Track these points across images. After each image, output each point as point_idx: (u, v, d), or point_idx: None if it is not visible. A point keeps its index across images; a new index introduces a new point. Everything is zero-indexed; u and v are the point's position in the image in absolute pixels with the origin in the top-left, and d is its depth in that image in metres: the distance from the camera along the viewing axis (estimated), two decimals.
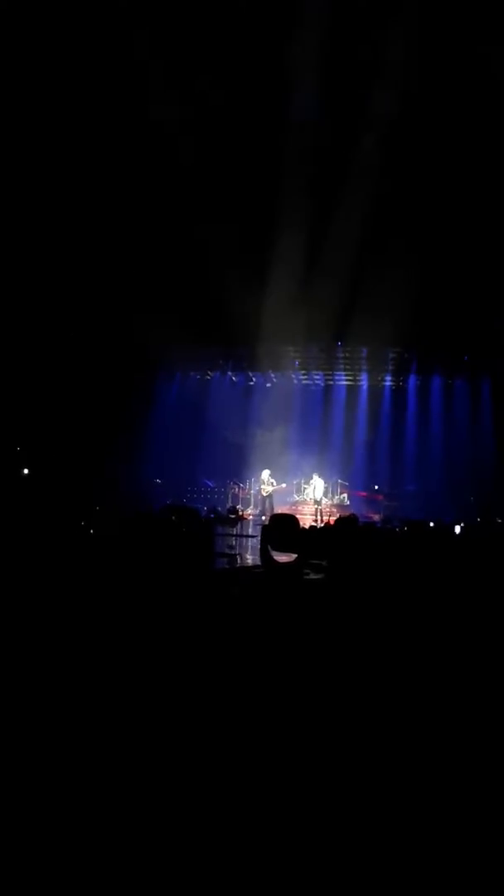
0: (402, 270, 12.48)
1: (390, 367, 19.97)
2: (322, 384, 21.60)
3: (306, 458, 18.80)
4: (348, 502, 18.08)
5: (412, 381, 20.31)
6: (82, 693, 1.97)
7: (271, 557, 3.01)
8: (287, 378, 21.14)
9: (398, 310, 13.27)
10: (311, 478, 16.53)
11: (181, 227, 12.69)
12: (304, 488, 18.22)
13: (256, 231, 12.74)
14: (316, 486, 16.29)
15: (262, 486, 15.90)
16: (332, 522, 9.65)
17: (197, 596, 2.63)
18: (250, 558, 7.84)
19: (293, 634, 2.47)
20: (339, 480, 18.45)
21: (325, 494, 16.98)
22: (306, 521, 15.33)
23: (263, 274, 13.59)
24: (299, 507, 17.64)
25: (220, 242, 12.45)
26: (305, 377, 21.50)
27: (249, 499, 18.00)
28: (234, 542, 10.38)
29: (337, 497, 18.11)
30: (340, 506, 17.58)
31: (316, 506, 16.04)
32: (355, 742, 1.83)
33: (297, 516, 3.32)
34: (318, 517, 15.45)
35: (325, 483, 16.83)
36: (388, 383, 20.71)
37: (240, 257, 12.70)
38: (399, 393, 20.43)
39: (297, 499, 18.28)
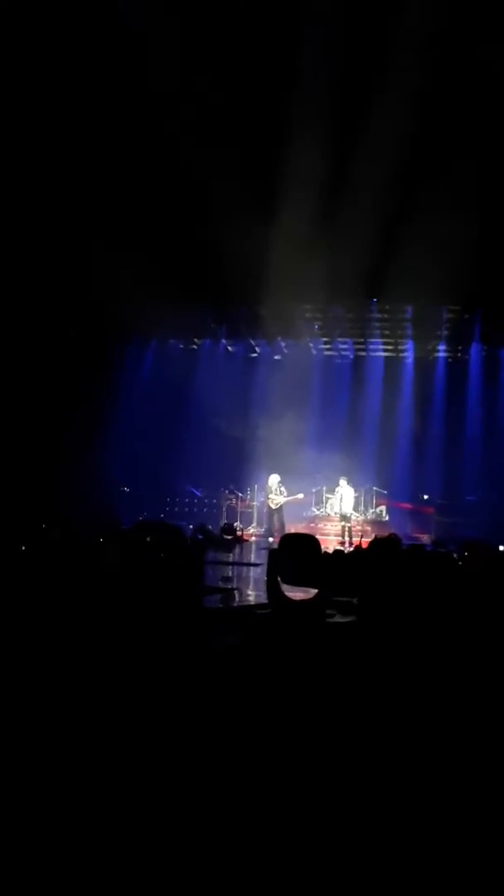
0: (462, 198, 12.46)
1: (445, 333, 19.98)
2: (351, 356, 21.63)
3: (329, 457, 18.79)
4: (387, 517, 18.11)
5: (475, 351, 20.31)
6: None
7: (282, 593, 3.01)
8: (303, 348, 21.18)
9: (456, 253, 13.24)
10: (338, 484, 16.48)
11: (155, 133, 12.66)
12: (328, 499, 18.25)
13: (262, 142, 12.71)
14: (343, 496, 16.29)
15: (269, 497, 15.93)
16: (364, 545, 9.65)
17: (179, 648, 2.63)
18: (253, 594, 7.84)
19: (313, 705, 2.47)
20: (375, 488, 18.49)
21: (357, 508, 17.04)
22: (330, 543, 15.32)
23: (271, 204, 13.56)
24: (320, 525, 17.67)
25: (210, 157, 12.42)
26: (328, 346, 21.54)
27: (252, 513, 18.06)
28: (230, 573, 10.38)
29: (372, 511, 18.15)
30: (376, 522, 17.60)
31: (344, 523, 16.08)
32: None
33: (318, 537, 3.31)
34: (347, 538, 15.48)
35: (355, 492, 16.83)
36: (441, 354, 20.72)
37: (238, 180, 12.68)
38: (457, 368, 20.45)
39: (317, 513, 18.33)
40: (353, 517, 16.60)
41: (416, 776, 2.31)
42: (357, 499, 17.14)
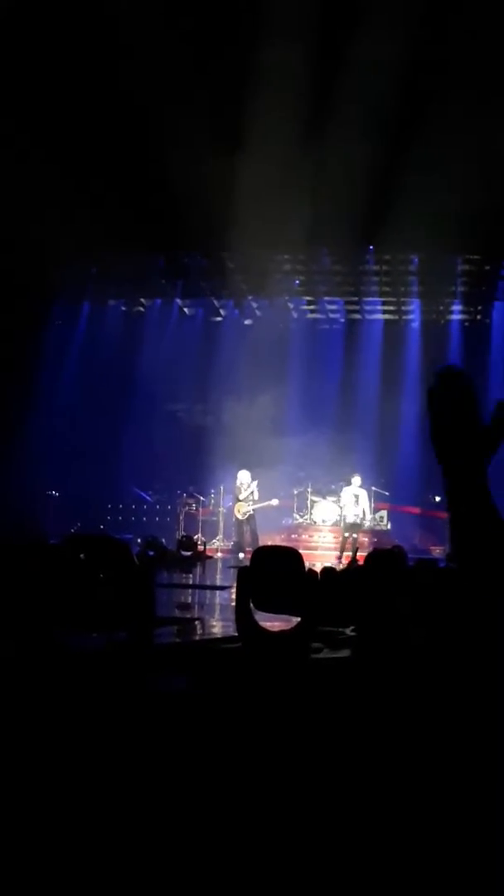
0: (480, 121, 12.55)
1: (460, 290, 20.14)
2: (342, 319, 21.74)
3: (315, 450, 18.88)
4: (388, 525, 18.26)
5: (498, 312, 20.52)
6: None
7: (255, 623, 3.02)
8: (280, 309, 21.23)
9: (475, 185, 13.33)
10: (349, 484, 16.20)
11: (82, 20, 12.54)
12: (313, 503, 18.32)
13: (224, 36, 12.62)
14: (359, 500, 16.12)
15: (237, 502, 15.92)
16: (360, 561, 9.70)
17: (122, 694, 2.62)
18: (219, 625, 7.87)
19: (292, 763, 2.48)
20: (374, 488, 18.62)
21: (364, 515, 16.57)
22: (319, 559, 15.40)
23: (237, 119, 13.49)
24: (304, 537, 17.75)
25: (153, 47, 12.29)
26: (312, 307, 21.61)
27: (217, 522, 18.07)
28: (190, 599, 10.41)
29: (370, 517, 18.26)
30: (376, 531, 17.74)
31: (349, 534, 15.89)
32: None
33: (302, 552, 3.33)
34: (342, 552, 15.48)
35: (367, 492, 16.63)
36: (456, 316, 20.90)
37: (193, 84, 12.61)
38: (476, 333, 20.66)
39: (300, 521, 18.40)
40: (366, 524, 16.45)
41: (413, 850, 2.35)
42: (368, 501, 16.81)
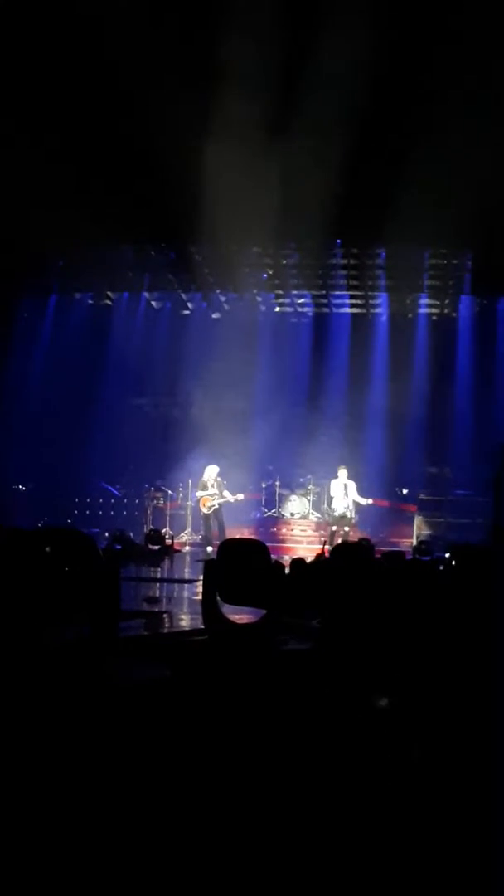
0: (449, 116, 12.59)
1: (428, 283, 20.24)
2: (311, 313, 21.78)
3: (284, 443, 18.91)
4: (356, 518, 18.30)
5: (465, 306, 20.65)
6: None
7: (221, 615, 3.03)
8: (249, 303, 21.23)
9: (440, 184, 13.39)
10: (337, 475, 15.91)
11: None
12: (282, 496, 18.34)
13: (189, 22, 12.54)
14: (347, 490, 15.79)
15: (202, 495, 15.87)
16: (326, 553, 9.74)
17: (89, 686, 2.62)
18: (186, 618, 7.86)
19: (260, 755, 2.49)
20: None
21: (350, 507, 15.95)
22: (286, 552, 15.43)
23: (205, 108, 13.42)
24: (272, 529, 17.77)
25: (123, 36, 12.19)
26: (281, 301, 21.62)
27: (185, 516, 18.05)
28: (157, 592, 10.40)
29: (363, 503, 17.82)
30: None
31: (337, 527, 15.70)
32: None
33: (272, 545, 3.34)
34: (331, 545, 15.24)
35: (354, 483, 16.13)
36: (422, 310, 21.01)
37: (161, 68, 12.52)
38: (443, 327, 20.79)
39: (269, 514, 18.42)
40: (354, 519, 16.13)
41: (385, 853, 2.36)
42: (356, 493, 16.36)
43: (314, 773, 2.49)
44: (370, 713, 2.65)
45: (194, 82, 12.99)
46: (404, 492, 18.87)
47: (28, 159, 13.42)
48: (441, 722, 2.65)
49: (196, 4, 12.65)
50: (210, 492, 15.76)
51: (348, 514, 15.76)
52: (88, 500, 19.28)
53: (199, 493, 16.06)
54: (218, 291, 21.15)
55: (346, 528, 15.62)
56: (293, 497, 18.58)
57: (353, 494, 15.81)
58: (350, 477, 15.95)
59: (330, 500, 16.24)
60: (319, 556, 9.04)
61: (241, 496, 16.19)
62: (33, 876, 2.23)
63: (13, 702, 2.49)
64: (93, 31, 12.30)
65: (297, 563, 6.03)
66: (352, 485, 15.88)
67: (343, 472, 15.91)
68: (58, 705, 2.51)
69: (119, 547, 12.63)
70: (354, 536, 14.89)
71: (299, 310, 21.78)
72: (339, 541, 14.47)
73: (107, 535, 14.39)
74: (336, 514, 15.87)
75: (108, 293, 21.85)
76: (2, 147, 13.21)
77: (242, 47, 12.70)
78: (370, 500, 16.21)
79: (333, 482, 16.00)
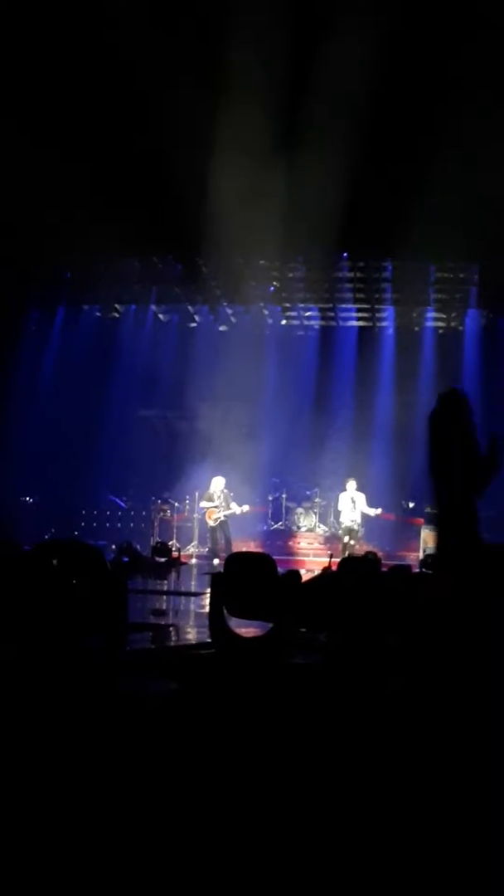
0: (456, 130, 12.61)
1: (434, 297, 20.25)
2: (317, 326, 21.79)
3: (290, 455, 18.91)
4: (362, 531, 18.26)
5: (471, 319, 20.64)
6: None
7: (228, 629, 3.03)
8: (255, 315, 21.25)
9: (448, 198, 13.40)
10: (346, 488, 15.76)
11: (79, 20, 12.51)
12: (289, 509, 18.32)
13: (196, 33, 12.58)
14: (356, 503, 15.55)
15: (207, 506, 15.84)
16: (333, 567, 9.70)
17: (95, 700, 2.62)
18: (193, 631, 7.85)
19: (266, 768, 2.49)
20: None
21: (357, 520, 15.70)
22: (292, 564, 15.39)
23: (213, 124, 13.47)
24: (278, 542, 17.75)
25: (129, 44, 12.23)
26: (288, 314, 21.63)
27: (192, 529, 18.05)
28: (164, 605, 10.38)
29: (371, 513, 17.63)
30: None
31: (349, 540, 15.48)
32: None
33: (279, 558, 3.34)
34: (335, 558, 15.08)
35: (363, 496, 15.86)
36: (429, 324, 21.00)
37: (172, 84, 12.55)
38: (449, 340, 20.76)
39: (276, 527, 18.40)
40: (360, 533, 15.98)
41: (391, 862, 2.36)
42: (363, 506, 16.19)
43: (321, 785, 2.50)
44: (377, 725, 2.65)
45: (202, 97, 13.05)
46: (411, 505, 18.81)
47: (37, 172, 13.49)
48: (447, 733, 2.65)
49: (204, 20, 12.72)
50: (216, 503, 15.72)
51: (355, 527, 15.69)
52: (95, 513, 19.29)
53: (204, 504, 16.03)
54: (225, 304, 21.19)
55: (353, 542, 15.54)
56: (300, 510, 18.56)
57: (363, 506, 15.69)
58: (358, 489, 15.88)
59: (338, 513, 16.18)
60: (326, 570, 9.03)
61: (247, 507, 16.14)
62: (41, 876, 2.25)
63: (25, 711, 2.50)
64: (104, 47, 12.39)
65: (292, 575, 6.00)
66: (360, 497, 15.77)
67: (352, 485, 15.80)
68: (67, 715, 2.52)
69: (126, 559, 12.64)
70: (361, 550, 14.81)
71: (306, 323, 21.80)
72: (346, 554, 14.46)
73: (113, 547, 14.37)
74: (345, 526, 15.80)
75: (116, 305, 21.91)
76: (11, 159, 13.27)
77: (250, 62, 12.76)
78: (379, 510, 16.09)
79: (342, 495, 15.89)
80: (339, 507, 15.92)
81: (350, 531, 15.60)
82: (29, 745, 2.49)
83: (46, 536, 14.58)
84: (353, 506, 15.61)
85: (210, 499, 15.84)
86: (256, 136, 13.52)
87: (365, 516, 15.76)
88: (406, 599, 3.76)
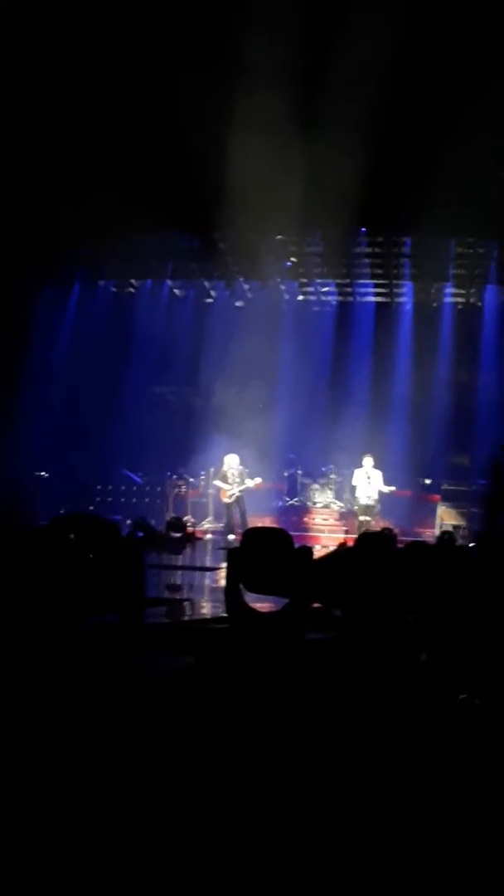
0: (474, 105, 12.51)
1: (453, 272, 20.12)
2: (335, 301, 21.72)
3: (306, 431, 18.90)
4: (378, 507, 18.26)
5: (490, 295, 20.51)
6: None
7: (244, 604, 3.03)
8: (272, 291, 21.18)
9: (467, 172, 13.30)
10: (362, 464, 15.74)
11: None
12: (304, 484, 18.35)
13: (216, 12, 12.51)
14: (372, 480, 15.52)
15: (222, 484, 15.85)
16: (350, 543, 9.71)
17: (112, 673, 2.64)
18: (208, 606, 7.89)
19: (285, 745, 2.49)
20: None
21: (373, 497, 15.68)
22: (308, 540, 15.41)
23: (228, 95, 13.38)
24: (294, 518, 17.78)
25: (148, 24, 12.18)
26: (304, 289, 21.56)
27: (206, 504, 18.10)
28: (179, 580, 10.43)
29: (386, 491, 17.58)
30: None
31: (364, 518, 15.52)
32: None
33: (294, 534, 3.34)
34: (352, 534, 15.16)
35: (380, 473, 15.81)
36: (448, 300, 20.89)
37: (184, 56, 12.49)
38: (468, 316, 20.66)
39: (291, 503, 18.43)
40: (376, 510, 15.90)
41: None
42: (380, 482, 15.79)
43: (336, 762, 2.50)
44: (394, 702, 2.65)
45: (220, 72, 12.97)
46: (427, 482, 18.80)
47: (52, 148, 13.45)
48: (466, 709, 2.65)
49: None
50: (229, 483, 15.74)
51: (371, 503, 15.67)
52: (110, 488, 19.34)
53: (218, 484, 16.08)
54: (241, 279, 21.12)
55: (369, 518, 15.53)
56: (315, 486, 18.59)
57: (379, 483, 15.65)
58: (374, 466, 15.85)
59: (353, 489, 16.17)
60: (342, 546, 9.03)
61: (259, 480, 16.08)
62: (51, 857, 2.27)
63: (42, 687, 2.51)
64: (120, 23, 12.31)
65: (304, 550, 6.01)
66: (377, 474, 15.73)
67: (368, 461, 15.75)
68: (85, 691, 2.53)
69: (141, 534, 12.67)
70: (377, 526, 14.82)
71: (323, 298, 21.72)
72: (362, 530, 14.43)
73: (128, 522, 14.41)
74: (361, 503, 15.79)
75: (132, 281, 21.89)
76: (27, 136, 13.24)
77: (268, 38, 12.67)
78: (394, 488, 16.06)
79: (357, 471, 15.86)
80: (355, 483, 15.90)
81: (366, 508, 15.58)
82: (44, 721, 2.51)
83: (62, 511, 14.64)
84: (369, 482, 15.58)
85: (224, 478, 15.84)
86: (274, 111, 13.42)
87: (381, 493, 15.75)
88: (423, 575, 3.76)
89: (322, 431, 18.90)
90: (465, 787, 2.44)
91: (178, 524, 14.77)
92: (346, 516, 17.36)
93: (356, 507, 16.18)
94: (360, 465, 15.82)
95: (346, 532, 14.07)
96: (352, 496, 16.40)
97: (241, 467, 15.88)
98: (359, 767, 2.48)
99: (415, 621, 3.27)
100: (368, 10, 12.16)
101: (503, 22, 11.94)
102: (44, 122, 13.37)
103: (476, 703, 2.59)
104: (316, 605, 3.84)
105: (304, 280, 21.20)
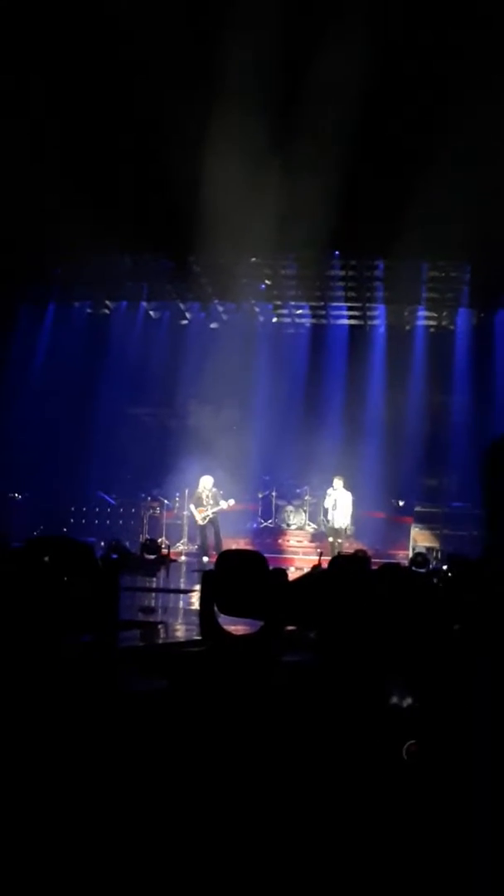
0: (446, 127, 12.64)
1: (426, 295, 20.30)
2: (309, 324, 21.83)
3: (280, 453, 18.94)
4: (352, 529, 18.29)
5: (462, 319, 20.70)
6: None
7: (219, 626, 3.03)
8: (247, 313, 21.26)
9: (439, 196, 13.42)
10: (331, 486, 15.97)
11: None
12: (279, 507, 18.37)
13: (190, 31, 12.55)
14: (338, 503, 15.76)
15: (196, 507, 15.85)
16: (322, 564, 9.73)
17: (87, 696, 2.63)
18: (182, 629, 7.86)
19: (258, 767, 2.49)
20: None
21: (346, 519, 15.97)
22: (282, 562, 15.40)
23: (205, 120, 13.44)
24: (268, 540, 17.78)
25: (127, 44, 12.24)
26: (279, 312, 21.66)
27: (181, 526, 18.06)
28: (154, 602, 10.39)
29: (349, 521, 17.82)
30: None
31: (334, 539, 15.73)
32: None
33: (268, 555, 3.35)
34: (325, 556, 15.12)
35: (349, 495, 16.08)
36: (420, 322, 21.06)
37: (158, 77, 12.53)
38: (441, 339, 20.83)
39: (266, 525, 18.43)
40: (348, 532, 16.13)
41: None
42: (352, 507, 16.15)
43: (313, 784, 2.50)
44: (369, 723, 2.66)
45: (194, 93, 13.04)
46: (401, 503, 18.88)
47: (28, 167, 13.47)
48: (438, 731, 2.66)
49: (197, 15, 12.70)
50: (205, 502, 15.75)
51: (338, 526, 15.74)
52: (84, 509, 19.25)
53: (193, 508, 16.09)
54: (216, 301, 21.18)
55: (340, 540, 15.60)
56: (290, 508, 18.61)
57: (346, 506, 15.73)
58: (347, 488, 15.91)
59: (325, 511, 16.25)
60: (315, 568, 9.04)
61: (232, 501, 16.13)
62: (34, 878, 2.26)
63: (15, 709, 2.50)
64: (97, 43, 12.37)
65: (278, 572, 6.01)
66: (346, 496, 15.81)
67: (338, 483, 15.85)
68: (57, 714, 2.52)
69: (115, 556, 12.61)
70: (351, 548, 14.85)
71: (297, 321, 21.83)
72: (335, 552, 14.46)
73: (102, 544, 14.34)
74: (328, 526, 15.89)
75: (107, 302, 21.89)
76: (2, 155, 13.24)
77: (242, 58, 12.75)
78: (349, 520, 16.10)
79: (329, 492, 15.98)
80: (325, 506, 16.02)
81: (335, 531, 15.66)
82: (19, 743, 2.49)
83: (35, 533, 14.55)
84: (334, 505, 15.67)
85: (198, 500, 15.87)
86: (249, 134, 13.52)
87: (353, 514, 15.83)
88: (397, 597, 3.77)
89: (296, 453, 18.94)
90: (431, 809, 2.46)
91: (152, 546, 14.74)
92: (320, 538, 17.39)
93: (325, 529, 16.26)
94: (333, 488, 15.90)
95: (321, 554, 14.03)
96: (325, 518, 16.46)
97: (215, 489, 15.89)
98: (333, 789, 2.49)
99: (387, 642, 3.28)
100: (341, 38, 12.29)
101: (475, 50, 12.10)
102: (20, 144, 13.38)
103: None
104: (290, 627, 3.84)
105: (279, 302, 21.30)
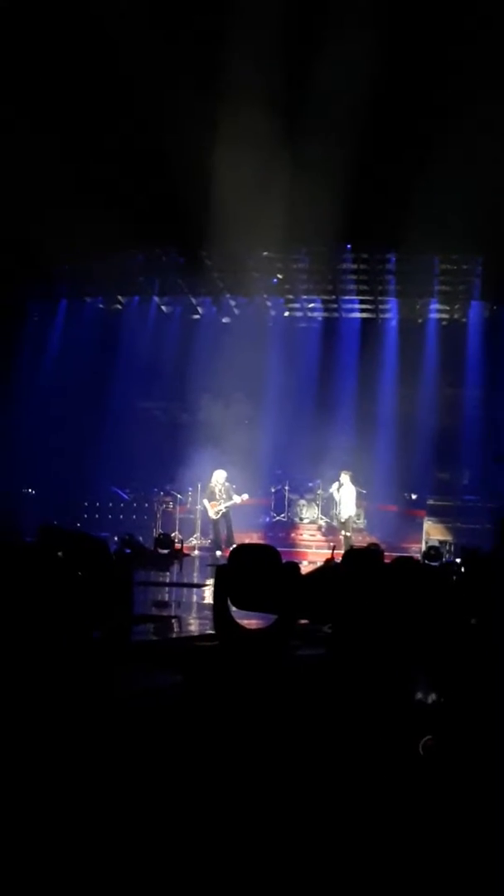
0: (459, 120, 12.59)
1: (438, 288, 20.23)
2: (321, 317, 21.78)
3: (292, 447, 18.91)
4: (364, 523, 18.29)
5: (475, 311, 20.62)
6: None
7: (232, 621, 3.02)
8: (259, 307, 21.25)
9: (452, 188, 13.37)
10: (337, 480, 16.15)
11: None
12: (292, 501, 18.35)
13: (200, 25, 12.55)
14: (344, 496, 15.97)
15: (209, 501, 15.86)
16: (335, 558, 9.74)
17: (100, 690, 2.63)
18: (196, 623, 7.87)
19: (271, 761, 2.49)
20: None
21: (352, 512, 16.29)
22: (295, 556, 15.40)
23: (216, 113, 13.43)
24: (281, 534, 17.77)
25: (133, 39, 12.22)
26: (291, 305, 21.63)
27: (194, 520, 18.07)
28: (167, 597, 10.41)
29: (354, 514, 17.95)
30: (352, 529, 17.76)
31: (343, 532, 15.92)
32: None
33: (281, 549, 3.33)
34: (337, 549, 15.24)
35: (356, 490, 16.31)
36: (433, 315, 20.99)
37: (170, 73, 12.53)
38: (453, 332, 20.75)
39: (278, 519, 18.42)
40: (354, 524, 16.20)
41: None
42: (359, 500, 16.53)
43: (326, 779, 2.50)
44: (382, 718, 2.65)
45: (205, 88, 13.02)
46: (413, 497, 18.84)
47: (39, 164, 13.47)
48: (453, 726, 2.65)
49: (206, 12, 12.68)
50: (218, 496, 15.75)
51: (344, 518, 15.82)
52: (98, 504, 19.30)
53: (206, 502, 16.09)
54: (228, 296, 21.18)
55: (349, 534, 15.67)
56: (302, 502, 18.60)
57: (349, 500, 15.84)
58: (356, 482, 15.94)
59: (336, 504, 16.32)
60: (329, 562, 9.04)
61: (246, 496, 16.13)
62: (39, 878, 2.26)
63: (27, 704, 2.50)
64: (106, 37, 12.35)
65: (291, 566, 6.00)
66: (351, 490, 15.90)
67: (345, 478, 15.92)
68: (71, 709, 2.52)
69: (129, 551, 12.65)
70: (364, 541, 14.87)
71: (309, 314, 21.79)
72: (348, 546, 14.52)
73: (116, 539, 14.39)
74: (340, 518, 15.94)
75: (119, 297, 21.90)
76: (14, 151, 13.25)
77: (253, 53, 12.72)
78: (359, 511, 16.22)
79: (335, 486, 16.07)
80: (336, 499, 16.15)
81: (342, 524, 15.76)
82: (32, 739, 2.49)
83: (49, 527, 14.57)
84: (340, 499, 15.77)
85: (211, 494, 15.86)
86: (259, 128, 13.48)
87: (359, 508, 15.96)
88: (411, 591, 3.76)
89: (308, 447, 18.91)
90: (448, 804, 2.44)
91: (165, 541, 14.81)
92: (333, 531, 17.40)
93: (336, 522, 16.33)
94: (339, 481, 15.99)
95: (333, 548, 14.05)
96: (336, 511, 16.53)
97: (227, 483, 15.89)
98: (347, 784, 2.48)
99: (401, 636, 3.27)
100: (349, 30, 12.24)
101: (488, 39, 12.03)
102: (29, 141, 13.38)
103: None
104: (304, 621, 3.83)
105: (290, 296, 21.27)
